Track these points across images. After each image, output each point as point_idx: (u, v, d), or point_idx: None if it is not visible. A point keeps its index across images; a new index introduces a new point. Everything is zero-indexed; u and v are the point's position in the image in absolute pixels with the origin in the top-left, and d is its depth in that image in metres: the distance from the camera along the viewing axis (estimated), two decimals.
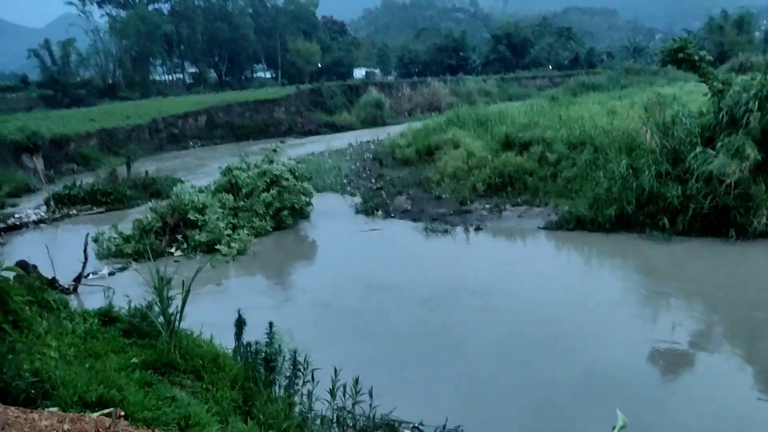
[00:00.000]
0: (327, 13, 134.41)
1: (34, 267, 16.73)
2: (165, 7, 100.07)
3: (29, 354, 7.71)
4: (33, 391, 6.53)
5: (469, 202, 24.86)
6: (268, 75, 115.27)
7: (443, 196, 26.21)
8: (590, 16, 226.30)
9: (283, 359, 9.72)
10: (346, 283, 17.09)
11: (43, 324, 8.87)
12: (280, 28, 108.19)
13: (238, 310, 10.91)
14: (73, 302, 16.11)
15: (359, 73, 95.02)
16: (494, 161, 26.68)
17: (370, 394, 8.48)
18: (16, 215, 26.35)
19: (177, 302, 9.51)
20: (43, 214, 26.60)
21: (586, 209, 20.98)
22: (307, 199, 24.98)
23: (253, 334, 10.90)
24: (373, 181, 31.07)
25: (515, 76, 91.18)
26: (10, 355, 6.87)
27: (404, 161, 33.03)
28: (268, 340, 9.84)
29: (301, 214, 24.45)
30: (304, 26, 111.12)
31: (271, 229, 22.91)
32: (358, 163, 36.08)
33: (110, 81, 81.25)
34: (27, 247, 22.00)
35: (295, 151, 47.31)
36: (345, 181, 31.86)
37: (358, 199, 27.70)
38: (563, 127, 27.66)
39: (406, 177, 29.93)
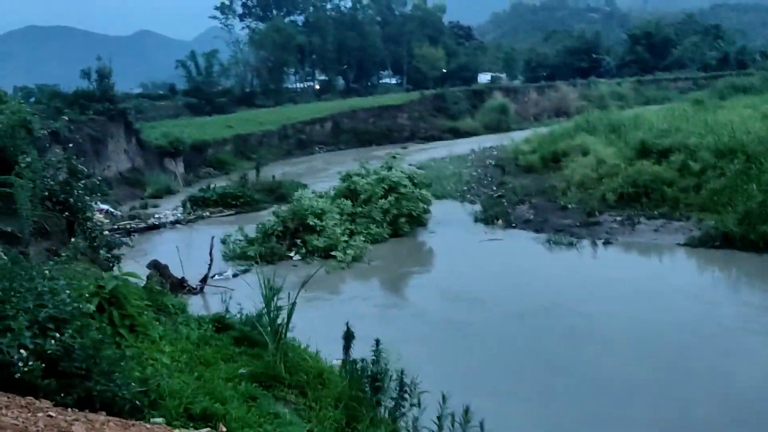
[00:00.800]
0: (454, 18, 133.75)
1: (166, 267, 17.68)
2: (300, 19, 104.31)
3: (140, 361, 7.90)
4: (138, 402, 6.59)
5: (597, 214, 23.35)
6: (394, 81, 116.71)
7: (569, 206, 24.83)
8: (742, 13, 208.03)
9: (390, 379, 9.32)
10: (461, 295, 16.50)
11: (159, 329, 9.10)
12: (407, 34, 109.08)
13: (347, 324, 10.70)
14: (197, 302, 16.91)
15: (484, 77, 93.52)
16: (627, 170, 24.88)
17: (482, 428, 7.79)
18: (156, 216, 28.19)
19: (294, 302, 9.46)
20: (179, 215, 28.26)
21: (735, 225, 18.93)
22: (425, 207, 24.63)
23: (360, 346, 10.63)
24: (494, 188, 30.14)
25: (654, 79, 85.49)
26: (122, 363, 7.01)
27: (528, 168, 31.77)
28: (374, 357, 9.50)
29: (418, 221, 24.13)
30: (431, 32, 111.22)
31: (387, 237, 22.78)
32: (479, 170, 35.24)
33: (248, 89, 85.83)
34: (163, 247, 23.38)
35: (416, 156, 47.22)
36: (465, 188, 31.18)
37: (477, 207, 26.96)
38: (709, 134, 25.22)
39: (529, 185, 28.74)
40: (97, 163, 33.23)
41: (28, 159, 9.61)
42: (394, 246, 22.52)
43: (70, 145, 17.64)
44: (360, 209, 23.10)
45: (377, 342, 9.84)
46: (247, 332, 9.82)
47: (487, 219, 24.85)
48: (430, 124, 65.98)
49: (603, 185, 24.89)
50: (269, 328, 9.71)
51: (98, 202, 29.37)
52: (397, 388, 9.12)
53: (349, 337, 10.74)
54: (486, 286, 17.26)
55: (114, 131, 35.74)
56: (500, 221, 24.40)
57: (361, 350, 10.71)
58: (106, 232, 18.60)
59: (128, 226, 25.95)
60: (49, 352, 5.80)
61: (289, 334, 10.27)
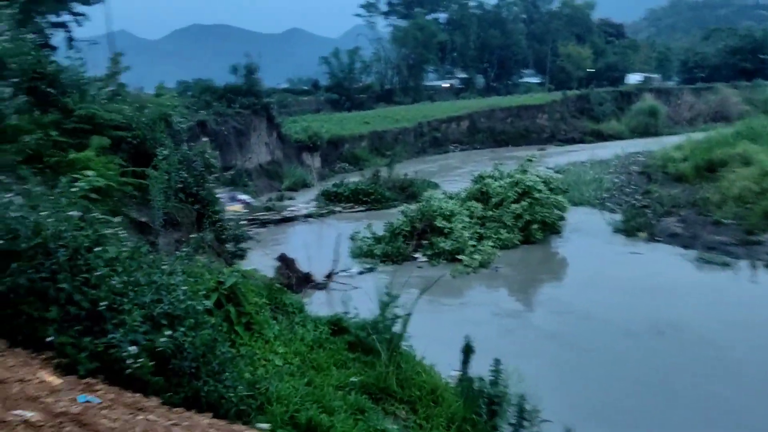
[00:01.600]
0: (605, 14, 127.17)
1: (293, 260, 18.00)
2: (442, 17, 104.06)
3: (253, 361, 7.83)
4: (243, 407, 6.47)
5: (758, 232, 20.80)
6: (536, 80, 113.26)
7: (724, 221, 22.38)
8: None
9: (509, 403, 8.64)
10: (592, 311, 15.26)
11: (275, 328, 9.04)
12: (553, 32, 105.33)
13: (467, 337, 10.11)
14: (321, 298, 17.04)
15: (634, 78, 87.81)
16: None
17: None
18: (291, 208, 29.08)
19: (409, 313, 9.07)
20: (312, 209, 28.95)
21: None
22: (561, 213, 23.32)
23: (479, 359, 9.99)
24: (638, 197, 27.91)
25: None
26: (232, 363, 6.94)
27: (677, 177, 29.13)
28: (493, 377, 8.86)
29: (552, 228, 22.89)
30: (578, 30, 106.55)
31: (518, 243, 21.80)
32: (622, 177, 32.89)
33: (387, 86, 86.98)
34: (294, 239, 24.02)
35: (554, 159, 45.26)
36: (606, 195, 29.22)
37: (618, 217, 25.11)
38: None
39: (679, 196, 26.31)
40: (239, 154, 35.01)
41: (165, 152, 10.00)
42: (524, 253, 21.50)
43: (206, 139, 18.35)
44: (491, 213, 22.29)
45: (497, 362, 9.17)
46: (362, 338, 9.55)
47: (628, 230, 23.05)
48: (572, 125, 63.14)
49: (766, 200, 22.16)
50: (384, 336, 9.38)
51: (238, 193, 31.03)
52: (517, 415, 8.43)
53: (468, 351, 10.14)
54: (621, 304, 15.88)
55: (257, 124, 37.45)
56: (643, 233, 22.53)
57: (479, 364, 10.08)
58: (242, 222, 19.34)
59: (263, 218, 26.93)
60: (159, 349, 5.78)
61: (406, 341, 9.92)
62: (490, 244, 20.50)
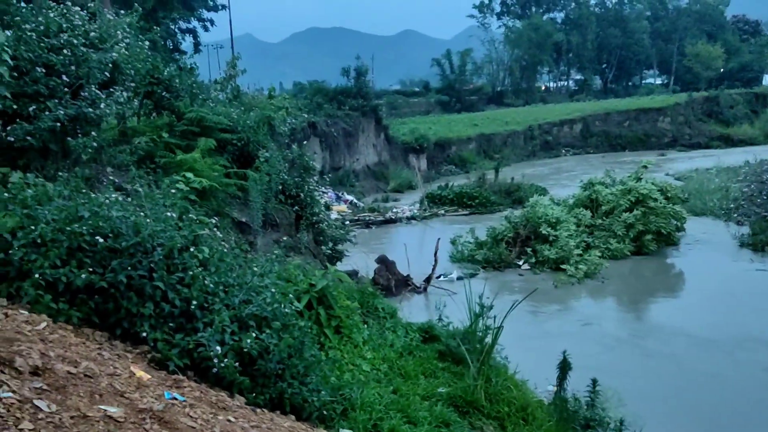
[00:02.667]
0: (740, 11, 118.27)
1: (393, 263, 18.05)
2: (559, 16, 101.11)
3: (340, 365, 7.86)
4: (326, 412, 6.50)
5: None
6: (659, 81, 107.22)
7: None
8: None
9: (607, 427, 8.15)
10: (710, 333, 14.09)
11: (364, 333, 9.04)
12: (680, 30, 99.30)
13: (564, 353, 9.68)
14: (419, 302, 16.97)
15: None
16: None
17: None
18: (394, 210, 29.26)
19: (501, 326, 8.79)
20: (416, 211, 28.97)
21: None
22: (678, 224, 21.84)
23: (575, 375, 9.53)
24: None
25: None
26: (318, 367, 6.99)
27: None
28: (590, 399, 8.39)
29: (668, 239, 21.48)
30: (709, 28, 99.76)
31: (629, 254, 20.64)
32: (752, 186, 30.28)
33: (499, 88, 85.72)
34: (396, 241, 24.12)
35: (675, 165, 42.64)
36: (732, 205, 27.03)
37: (745, 230, 23.14)
38: None
39: None
40: (347, 155, 35.72)
41: (267, 154, 10.30)
42: (635, 265, 20.32)
43: (306, 142, 18.77)
44: (600, 221, 21.26)
45: (595, 381, 8.68)
46: (453, 347, 9.34)
47: (756, 244, 21.19)
48: (697, 129, 59.15)
49: None
50: (475, 347, 9.13)
51: (344, 193, 31.66)
52: None
53: (565, 368, 9.70)
54: (742, 326, 14.56)
55: (365, 126, 38.05)
56: None
57: (577, 381, 9.60)
58: (346, 222, 19.65)
59: (367, 218, 27.27)
60: (245, 350, 5.91)
61: (500, 353, 9.61)
62: (598, 254, 19.54)
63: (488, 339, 9.12)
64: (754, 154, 40.98)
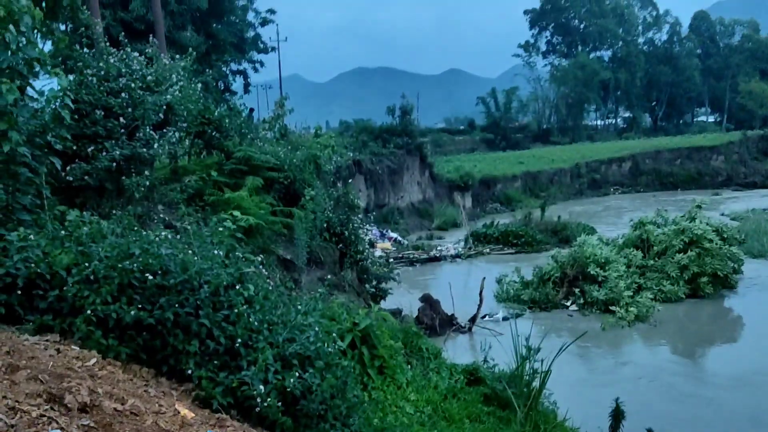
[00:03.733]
0: None
1: (437, 301, 17.87)
2: (606, 54, 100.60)
3: (384, 407, 7.75)
4: None
5: None
6: (711, 119, 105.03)
7: None
8: None
9: None
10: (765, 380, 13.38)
11: (408, 373, 8.92)
12: (733, 68, 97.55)
13: (617, 400, 9.34)
14: (464, 342, 16.70)
15: None
16: None
17: None
18: (438, 248, 29.12)
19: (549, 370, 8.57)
20: (460, 249, 28.76)
21: None
22: (735, 266, 21.04)
23: (630, 426, 9.17)
24: None
25: None
26: (362, 408, 6.91)
27: None
28: None
29: (724, 282, 20.68)
30: (763, 65, 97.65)
31: (684, 296, 19.93)
32: None
33: (544, 126, 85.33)
34: (440, 279, 23.92)
35: (731, 205, 41.34)
36: None
37: None
38: None
39: None
40: (392, 192, 35.89)
41: (313, 192, 10.44)
42: (690, 308, 19.59)
43: (351, 181, 18.99)
44: (652, 262, 20.66)
45: None
46: (499, 391, 9.12)
47: None
48: (753, 168, 57.45)
49: None
50: (522, 390, 8.90)
51: (388, 230, 31.71)
52: None
53: (618, 416, 9.36)
54: None
55: (410, 164, 38.27)
56: None
57: (629, 431, 9.23)
58: (390, 260, 19.64)
59: (411, 256, 27.20)
60: (288, 389, 5.89)
61: (548, 398, 9.33)
62: (650, 296, 18.93)
63: (536, 383, 8.89)
64: None
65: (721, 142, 60.30)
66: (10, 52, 5.34)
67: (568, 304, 19.58)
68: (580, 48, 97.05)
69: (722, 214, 35.73)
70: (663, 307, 18.89)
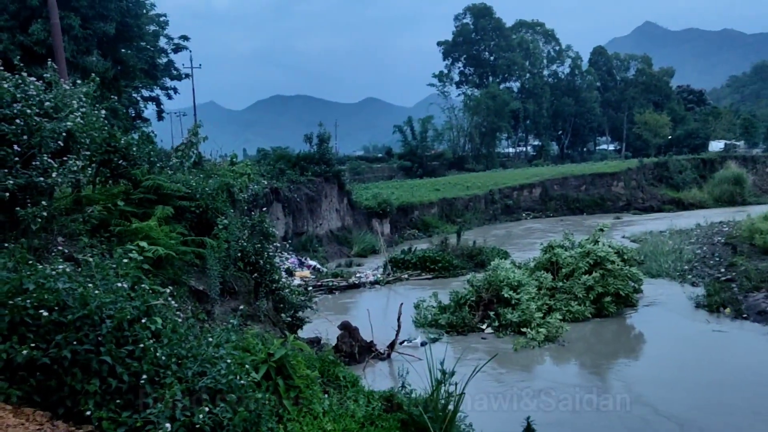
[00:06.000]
0: (684, 82, 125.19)
1: (356, 329, 17.77)
2: (515, 86, 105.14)
3: None
4: None
5: None
6: (611, 147, 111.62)
7: None
8: None
9: None
10: (671, 395, 14.12)
11: (325, 403, 8.79)
12: (629, 100, 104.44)
13: (528, 419, 9.58)
14: (383, 369, 16.66)
15: (716, 145, 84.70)
16: None
17: None
18: (358, 275, 29.10)
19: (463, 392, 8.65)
20: (379, 275, 28.85)
21: None
22: (636, 286, 22.21)
23: None
24: (722, 270, 26.32)
25: None
26: None
27: (766, 250, 27.36)
28: None
29: (626, 301, 21.76)
30: (656, 97, 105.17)
31: (590, 316, 20.81)
32: (704, 248, 31.25)
33: (459, 154, 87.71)
34: (359, 306, 23.87)
35: (630, 228, 43.78)
36: (686, 267, 27.71)
37: (700, 291, 23.63)
38: None
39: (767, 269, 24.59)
40: (311, 220, 35.68)
41: (226, 221, 10.23)
42: (596, 327, 20.45)
43: (264, 209, 18.83)
44: (561, 284, 21.47)
45: None
46: (416, 416, 9.14)
47: (711, 305, 21.59)
48: (649, 194, 61.23)
49: None
50: (438, 414, 8.97)
51: (307, 258, 31.43)
52: None
53: None
54: (704, 387, 14.66)
55: (328, 191, 38.25)
56: (728, 309, 21.03)
57: None
58: (309, 288, 19.43)
59: (331, 284, 27.03)
60: (197, 425, 5.68)
61: (461, 420, 9.44)
62: (559, 316, 19.63)
63: (451, 406, 8.98)
64: (705, 217, 42.49)
65: (621, 169, 63.95)
66: None
67: (484, 327, 19.96)
68: (491, 79, 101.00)
69: (623, 237, 37.75)
70: (571, 327, 19.62)
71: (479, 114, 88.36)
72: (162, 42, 46.63)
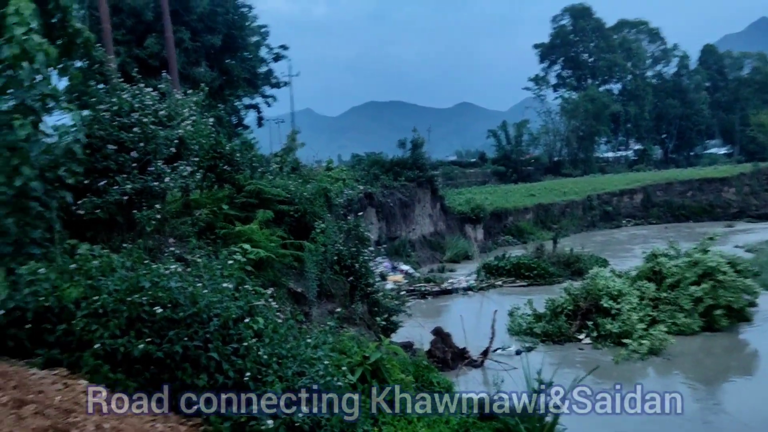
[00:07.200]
0: None
1: (449, 335, 17.68)
2: (616, 88, 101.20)
3: None
4: None
5: None
6: (722, 151, 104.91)
7: None
8: None
9: None
10: None
11: (418, 407, 8.81)
12: (742, 101, 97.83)
13: None
14: (476, 376, 16.45)
15: None
16: None
17: None
18: (450, 280, 28.94)
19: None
20: (472, 281, 28.57)
21: None
22: (751, 299, 20.70)
23: None
24: None
25: None
26: None
27: None
28: None
29: (739, 315, 20.31)
30: None
31: (698, 329, 19.56)
32: None
33: (555, 158, 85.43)
34: (451, 312, 23.74)
35: (744, 237, 40.96)
36: None
37: None
38: None
39: None
40: (403, 225, 35.87)
41: (323, 225, 10.47)
42: (705, 341, 19.22)
43: (361, 213, 19.03)
44: (665, 294, 20.36)
45: None
46: (512, 426, 8.96)
47: None
48: (764, 200, 57.03)
49: None
50: (536, 425, 8.74)
51: (400, 263, 31.60)
52: None
53: None
54: None
55: (421, 196, 38.31)
56: None
57: None
58: (402, 293, 19.54)
59: (423, 289, 27.04)
60: (297, 424, 5.82)
61: None
62: (663, 329, 18.61)
63: (549, 418, 8.73)
64: None
65: (732, 173, 60.05)
66: (23, 89, 5.45)
67: (581, 337, 19.28)
68: (589, 81, 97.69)
69: (736, 246, 35.36)
70: (677, 340, 18.55)
71: (577, 117, 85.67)
72: (263, 51, 48.46)
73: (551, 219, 48.92)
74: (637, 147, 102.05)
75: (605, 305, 19.12)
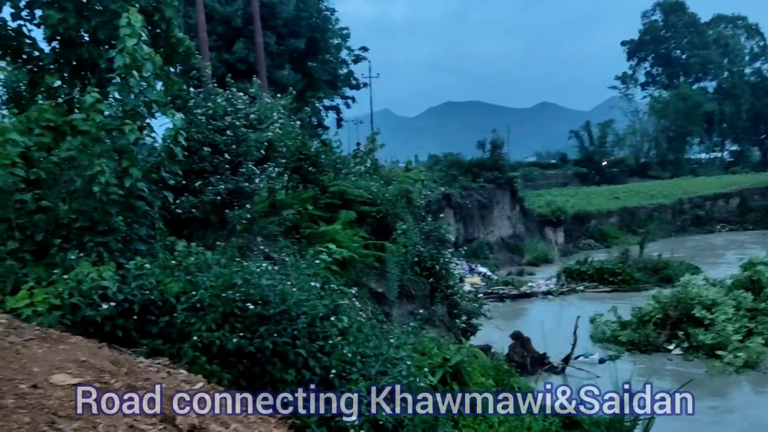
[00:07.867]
0: None
1: (528, 339, 17.41)
2: (710, 86, 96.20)
3: None
4: None
5: None
6: None
7: None
8: None
9: None
10: None
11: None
12: None
13: None
14: (556, 382, 16.10)
15: None
16: None
17: None
18: (530, 284, 28.46)
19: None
20: (552, 286, 27.99)
21: None
22: None
23: None
24: None
25: None
26: None
27: None
28: None
29: None
30: None
31: None
32: None
33: (642, 160, 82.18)
34: (530, 316, 23.35)
35: None
36: None
37: None
38: None
39: None
40: (482, 227, 35.56)
41: (404, 226, 10.58)
42: None
43: (442, 215, 18.97)
44: (764, 305, 19.22)
45: None
46: None
47: None
48: None
49: None
50: None
51: (478, 265, 31.36)
52: None
53: None
54: None
55: (500, 198, 37.86)
56: None
57: None
58: (480, 295, 19.38)
59: (501, 291, 26.73)
60: (380, 422, 5.92)
61: None
62: (761, 341, 17.58)
63: (638, 430, 8.47)
64: None
65: None
66: (133, 96, 5.84)
67: (671, 347, 18.52)
68: (681, 79, 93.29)
69: None
70: None
71: (667, 117, 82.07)
72: (343, 53, 49.22)
73: (637, 223, 47.13)
74: (733, 148, 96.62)
75: (698, 315, 18.30)
